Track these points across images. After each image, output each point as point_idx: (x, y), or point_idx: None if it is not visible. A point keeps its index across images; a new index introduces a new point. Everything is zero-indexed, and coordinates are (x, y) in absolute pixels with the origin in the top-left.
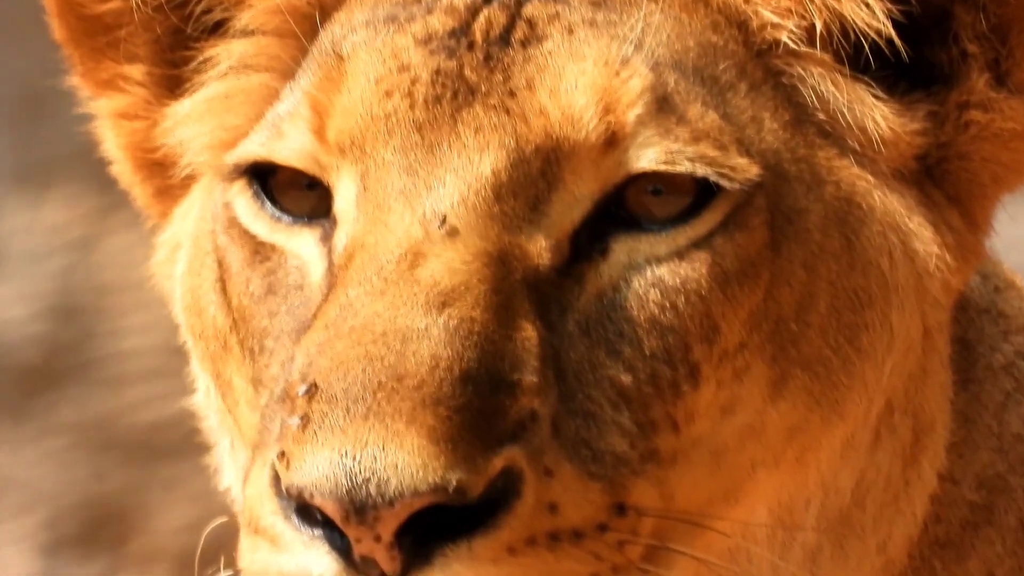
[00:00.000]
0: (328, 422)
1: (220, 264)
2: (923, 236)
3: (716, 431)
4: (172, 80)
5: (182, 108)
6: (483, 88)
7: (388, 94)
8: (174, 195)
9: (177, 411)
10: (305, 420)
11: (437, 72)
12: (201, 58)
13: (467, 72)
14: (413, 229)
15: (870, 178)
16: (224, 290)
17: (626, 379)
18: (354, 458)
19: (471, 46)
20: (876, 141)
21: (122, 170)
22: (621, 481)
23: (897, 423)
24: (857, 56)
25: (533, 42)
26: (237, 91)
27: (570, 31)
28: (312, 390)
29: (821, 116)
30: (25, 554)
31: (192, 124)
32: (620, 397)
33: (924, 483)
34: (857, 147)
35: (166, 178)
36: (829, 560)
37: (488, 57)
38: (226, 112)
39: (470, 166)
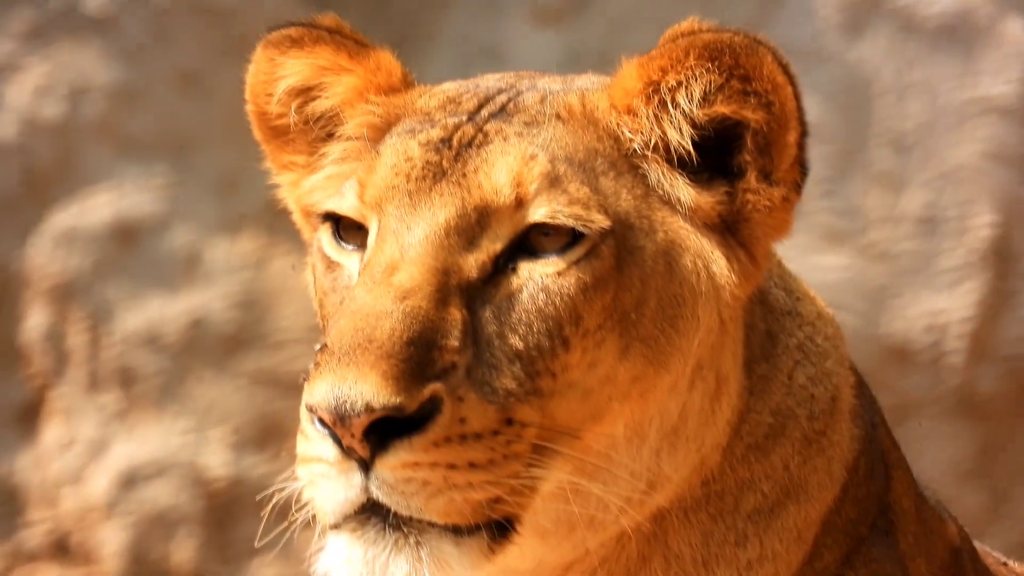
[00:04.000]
0: (327, 367)
1: (314, 272)
2: (719, 263)
3: (584, 378)
4: (316, 163)
5: (313, 180)
6: (450, 172)
7: (396, 174)
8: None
9: None
10: (316, 365)
11: (427, 163)
12: (322, 151)
13: (444, 163)
14: (395, 253)
15: (689, 228)
16: (315, 285)
17: (519, 345)
18: (338, 388)
19: (450, 147)
20: (691, 207)
21: (298, 220)
22: (509, 405)
23: (705, 375)
24: (687, 157)
25: (484, 145)
26: (340, 173)
27: (505, 139)
28: (324, 347)
29: (659, 192)
30: (221, 452)
31: (319, 191)
32: (515, 356)
33: (723, 412)
34: (683, 210)
35: (313, 221)
36: (666, 457)
37: (458, 155)
38: (334, 182)
39: (432, 217)
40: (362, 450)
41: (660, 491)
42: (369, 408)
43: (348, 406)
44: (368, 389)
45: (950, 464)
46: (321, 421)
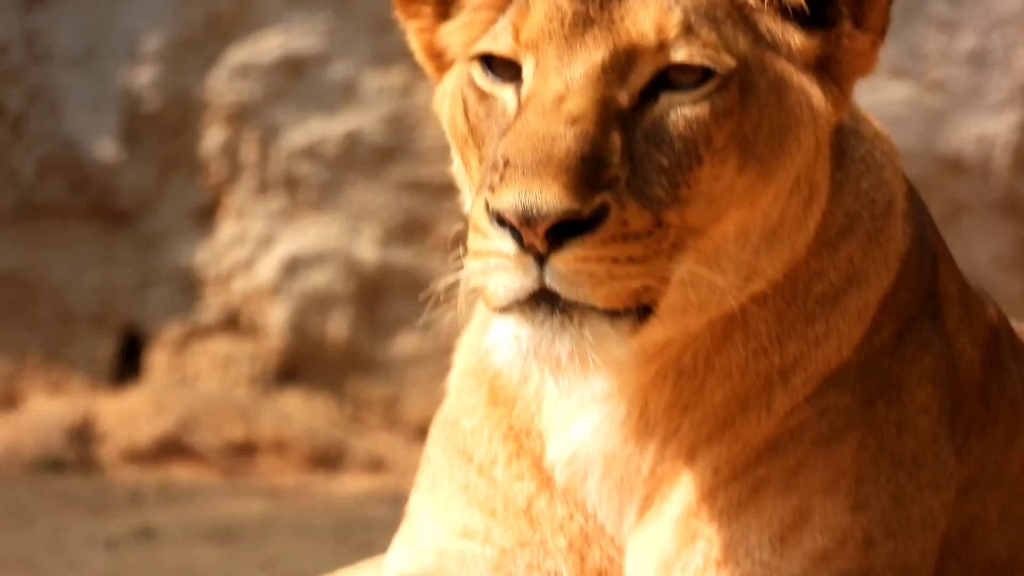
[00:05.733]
0: (513, 179)
1: (465, 101)
2: (817, 96)
3: (710, 189)
4: (445, 11)
5: (449, 27)
6: (597, 20)
7: (550, 20)
8: (444, 68)
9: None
10: (502, 176)
11: (576, 12)
12: (457, 3)
13: (590, 12)
14: (560, 86)
15: (793, 68)
16: (466, 113)
17: (664, 161)
18: (525, 196)
19: (592, 0)
20: (795, 51)
21: (420, 59)
22: (659, 211)
23: (801, 186)
24: (798, 8)
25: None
26: (477, 19)
27: None
28: (507, 161)
29: (768, 38)
30: (371, 245)
31: (453, 35)
32: (661, 170)
33: (813, 217)
34: (786, 53)
35: (441, 61)
36: (765, 252)
37: (601, 6)
38: (470, 29)
39: (589, 57)
40: (542, 247)
41: (756, 281)
42: (553, 212)
43: (535, 211)
44: (552, 197)
45: (993, 257)
46: (501, 222)
